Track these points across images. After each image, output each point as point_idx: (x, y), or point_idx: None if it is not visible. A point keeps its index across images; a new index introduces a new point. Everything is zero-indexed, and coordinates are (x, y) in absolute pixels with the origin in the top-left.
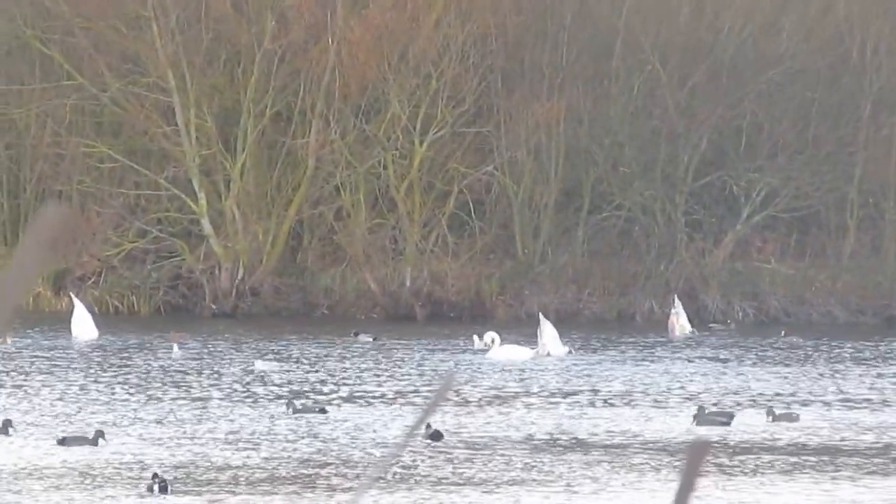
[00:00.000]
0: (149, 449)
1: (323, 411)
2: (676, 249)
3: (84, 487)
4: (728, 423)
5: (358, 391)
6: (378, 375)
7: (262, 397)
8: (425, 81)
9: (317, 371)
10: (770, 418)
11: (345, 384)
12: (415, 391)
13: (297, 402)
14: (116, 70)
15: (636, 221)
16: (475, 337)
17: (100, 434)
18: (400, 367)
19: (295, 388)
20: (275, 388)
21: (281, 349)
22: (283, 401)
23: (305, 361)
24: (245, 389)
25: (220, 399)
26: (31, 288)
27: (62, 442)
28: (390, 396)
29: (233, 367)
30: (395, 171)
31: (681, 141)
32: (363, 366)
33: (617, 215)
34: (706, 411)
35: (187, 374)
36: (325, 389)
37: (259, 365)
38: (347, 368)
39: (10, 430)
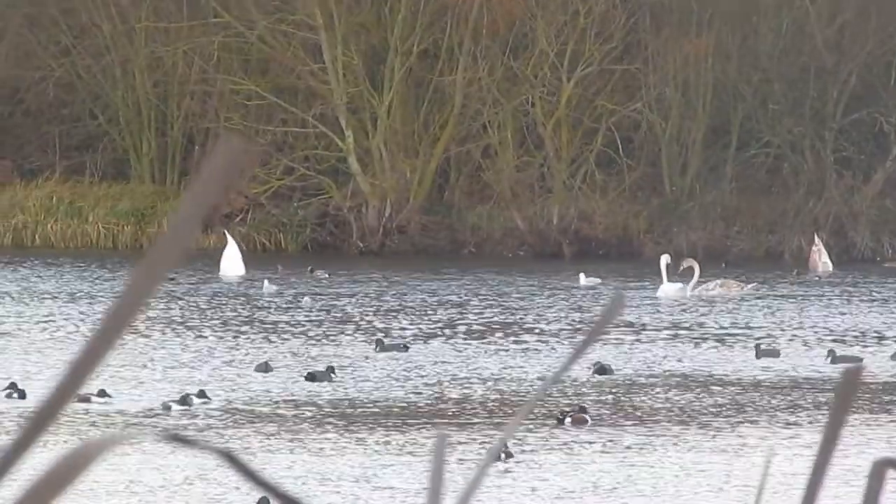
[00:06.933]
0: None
1: (405, 348)
2: (825, 187)
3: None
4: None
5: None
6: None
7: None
8: (573, 18)
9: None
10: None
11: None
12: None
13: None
14: (264, 7)
15: (785, 158)
16: (581, 275)
17: (331, 369)
18: (553, 306)
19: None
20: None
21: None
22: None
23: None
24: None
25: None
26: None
27: (310, 378)
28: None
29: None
30: (542, 109)
31: (830, 77)
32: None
33: (765, 152)
34: (837, 354)
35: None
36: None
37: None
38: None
39: (270, 369)
